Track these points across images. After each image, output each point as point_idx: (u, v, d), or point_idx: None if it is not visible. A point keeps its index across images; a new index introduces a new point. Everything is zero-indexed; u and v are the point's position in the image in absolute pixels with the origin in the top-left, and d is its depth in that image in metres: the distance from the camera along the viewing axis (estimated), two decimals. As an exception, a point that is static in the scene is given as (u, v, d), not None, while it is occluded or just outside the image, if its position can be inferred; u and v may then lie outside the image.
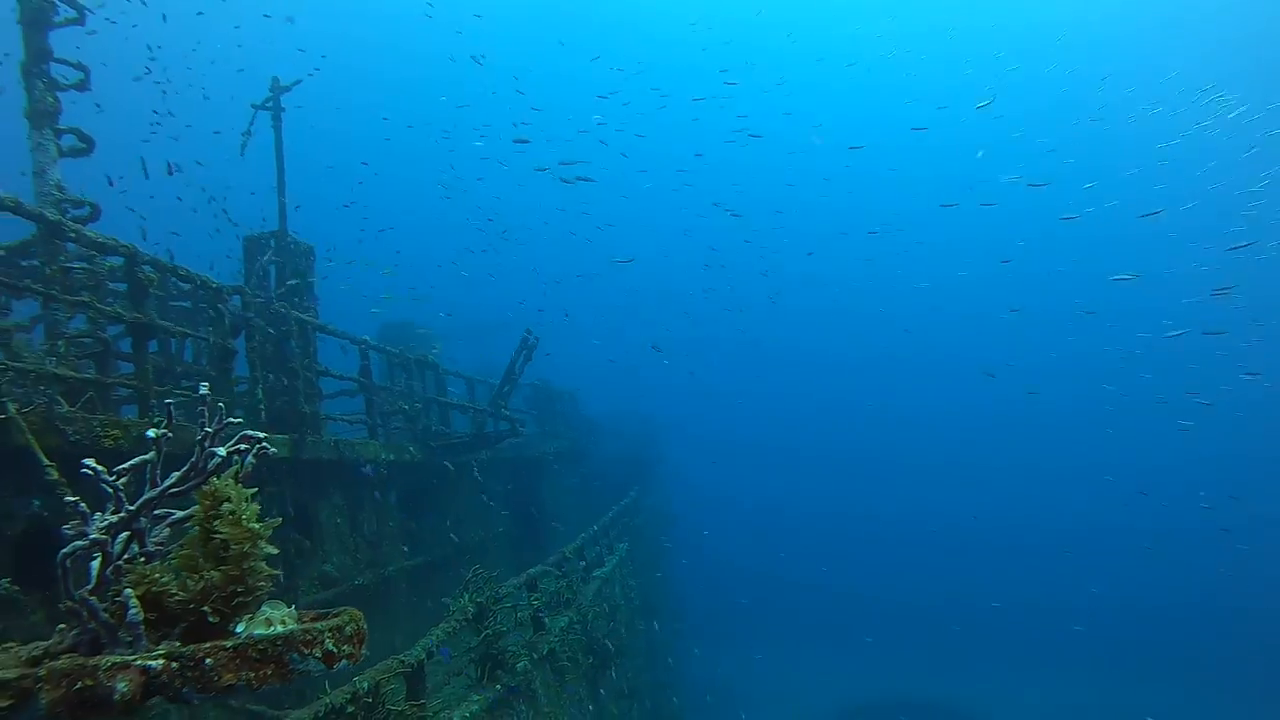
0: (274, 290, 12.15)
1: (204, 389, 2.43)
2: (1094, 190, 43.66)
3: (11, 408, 6.95)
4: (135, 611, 2.04)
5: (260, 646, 2.01)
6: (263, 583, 2.25)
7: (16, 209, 7.92)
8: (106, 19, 10.51)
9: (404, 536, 14.49)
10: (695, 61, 65.94)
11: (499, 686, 9.17)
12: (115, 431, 7.83)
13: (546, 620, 11.72)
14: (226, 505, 2.25)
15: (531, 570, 11.95)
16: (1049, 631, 38.69)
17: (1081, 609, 40.49)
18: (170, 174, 14.71)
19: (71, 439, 7.40)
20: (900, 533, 54.34)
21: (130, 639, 2.06)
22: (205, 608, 2.14)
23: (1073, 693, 34.01)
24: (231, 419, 2.43)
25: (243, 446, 2.39)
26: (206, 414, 2.36)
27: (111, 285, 11.05)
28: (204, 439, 2.31)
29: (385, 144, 48.84)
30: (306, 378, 11.95)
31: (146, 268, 9.09)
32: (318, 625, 2.17)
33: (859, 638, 38.20)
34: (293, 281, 12.61)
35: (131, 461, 2.25)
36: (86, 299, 8.34)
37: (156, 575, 2.16)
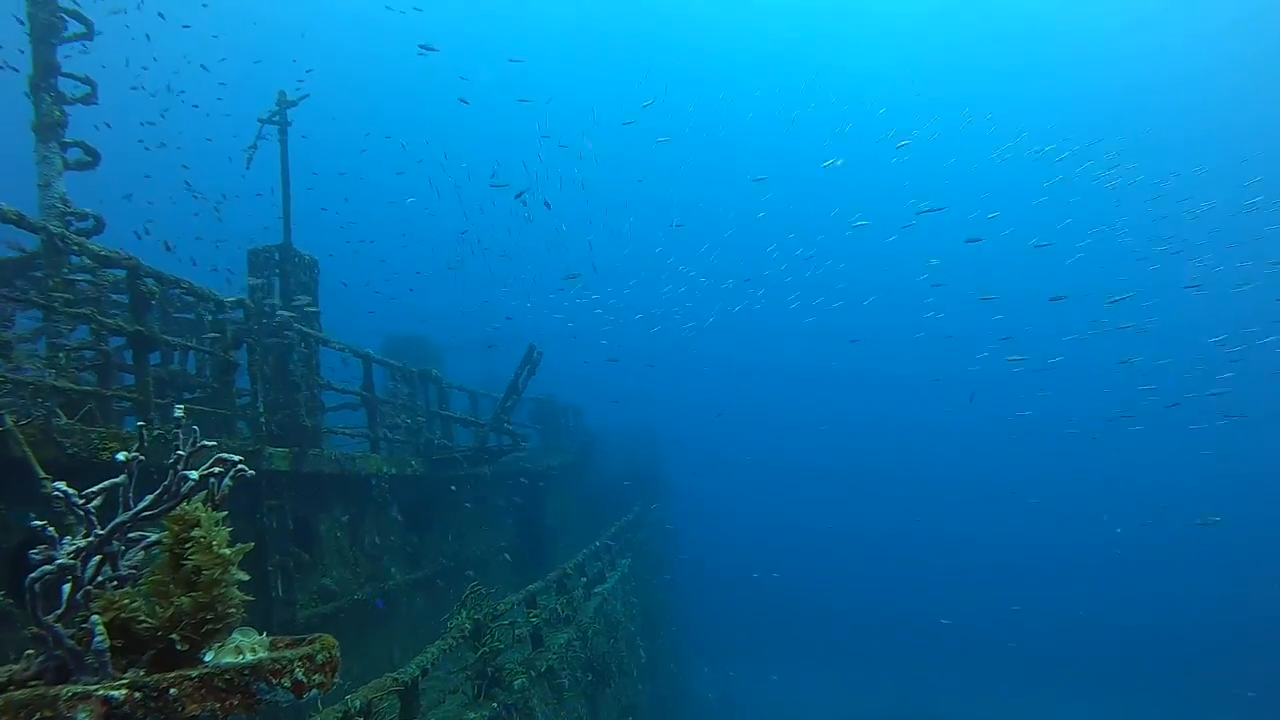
0: (277, 303, 12.17)
1: (178, 412, 2.40)
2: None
3: (9, 420, 6.95)
4: (101, 639, 2.01)
5: (226, 676, 1.97)
6: (233, 609, 2.21)
7: (19, 222, 7.95)
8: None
9: (405, 551, 14.45)
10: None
11: (495, 704, 9.10)
12: (114, 444, 7.82)
13: (546, 637, 11.65)
14: (197, 531, 2.22)
15: (531, 586, 11.89)
16: (1068, 649, 38.42)
17: (1107, 627, 40.32)
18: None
19: (69, 451, 7.39)
20: (905, 548, 54.04)
21: (98, 666, 2.03)
22: (174, 635, 2.10)
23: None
24: (207, 441, 2.40)
25: (217, 470, 2.36)
26: (181, 436, 2.34)
27: (115, 297, 11.09)
28: (176, 462, 2.28)
29: (363, 155, 49.04)
30: (308, 391, 11.95)
31: (149, 280, 9.12)
32: (287, 654, 2.13)
33: (865, 654, 37.95)
34: (305, 302, 12.64)
35: (101, 485, 2.22)
36: (88, 311, 8.36)
37: (125, 601, 2.13)
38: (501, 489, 19.38)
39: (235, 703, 1.96)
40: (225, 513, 2.45)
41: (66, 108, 9.99)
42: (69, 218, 9.76)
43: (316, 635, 2.39)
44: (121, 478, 2.24)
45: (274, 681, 2.03)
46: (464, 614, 9.31)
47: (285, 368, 11.34)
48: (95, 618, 2.03)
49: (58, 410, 7.72)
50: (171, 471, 2.28)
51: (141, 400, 8.79)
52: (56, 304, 8.49)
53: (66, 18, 10.39)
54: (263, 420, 10.60)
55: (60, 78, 10.12)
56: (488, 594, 9.88)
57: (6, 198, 7.98)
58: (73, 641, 2.03)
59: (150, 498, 2.30)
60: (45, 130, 9.84)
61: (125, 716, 1.86)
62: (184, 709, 1.89)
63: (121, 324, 8.74)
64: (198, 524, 2.25)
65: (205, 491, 2.43)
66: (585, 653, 12.76)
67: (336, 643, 2.33)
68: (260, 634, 2.24)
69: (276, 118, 12.75)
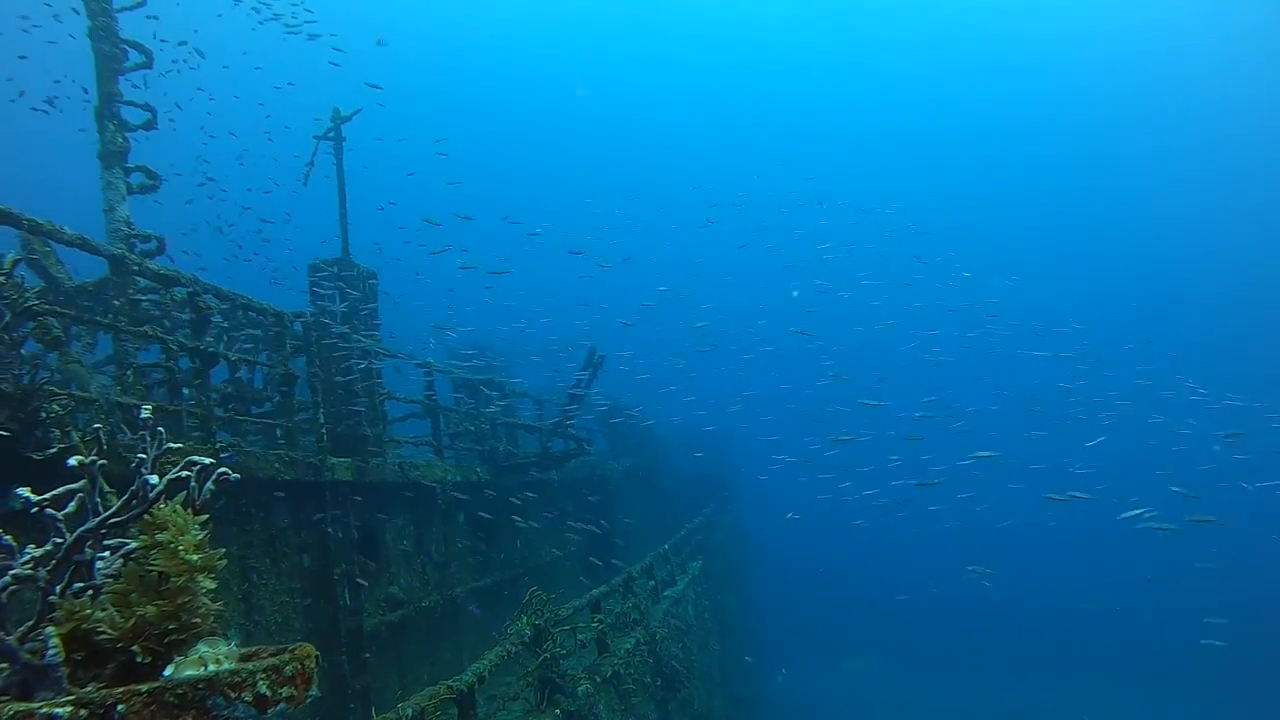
0: (338, 316, 12.34)
1: (145, 412, 2.30)
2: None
3: (75, 436, 7.13)
4: (54, 652, 1.91)
5: (179, 690, 1.84)
6: (199, 619, 2.09)
7: (83, 245, 8.19)
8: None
9: (473, 558, 14.49)
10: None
11: (558, 711, 8.97)
12: (175, 458, 7.97)
13: (611, 642, 11.49)
14: (163, 535, 2.10)
15: (595, 590, 11.75)
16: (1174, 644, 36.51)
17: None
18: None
19: (133, 467, 7.55)
20: (997, 539, 52.16)
21: (55, 681, 1.92)
22: (135, 646, 1.99)
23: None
24: (173, 444, 2.29)
25: (185, 473, 2.25)
26: (148, 439, 2.23)
27: (182, 316, 11.39)
28: (139, 465, 2.18)
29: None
30: (369, 401, 12.08)
31: (209, 297, 9.32)
32: (249, 666, 1.99)
33: (950, 651, 36.77)
34: (365, 313, 12.79)
35: (55, 491, 2.13)
36: (149, 329, 8.57)
37: (87, 611, 2.03)
38: (570, 494, 19.35)
39: None
40: (207, 517, 2.33)
41: (129, 134, 10.31)
42: (133, 240, 10.04)
43: (296, 645, 2.25)
44: (81, 483, 2.14)
45: (233, 696, 1.89)
46: (524, 619, 9.22)
47: (344, 378, 11.47)
48: (49, 630, 1.93)
49: (122, 426, 7.91)
50: (136, 474, 2.18)
51: (203, 415, 8.98)
52: (122, 323, 8.73)
53: (128, 48, 10.73)
54: (324, 431, 10.74)
55: (122, 105, 10.45)
56: (549, 599, 9.77)
57: (76, 223, 8.25)
58: (28, 655, 1.93)
59: (118, 503, 2.20)
60: (110, 157, 10.17)
61: (70, 735, 1.74)
62: (131, 727, 1.76)
63: (183, 340, 8.94)
64: (165, 528, 2.14)
65: (183, 495, 2.32)
66: (654, 658, 12.55)
67: (314, 653, 2.19)
68: (229, 644, 2.11)
69: (332, 134, 12.95)
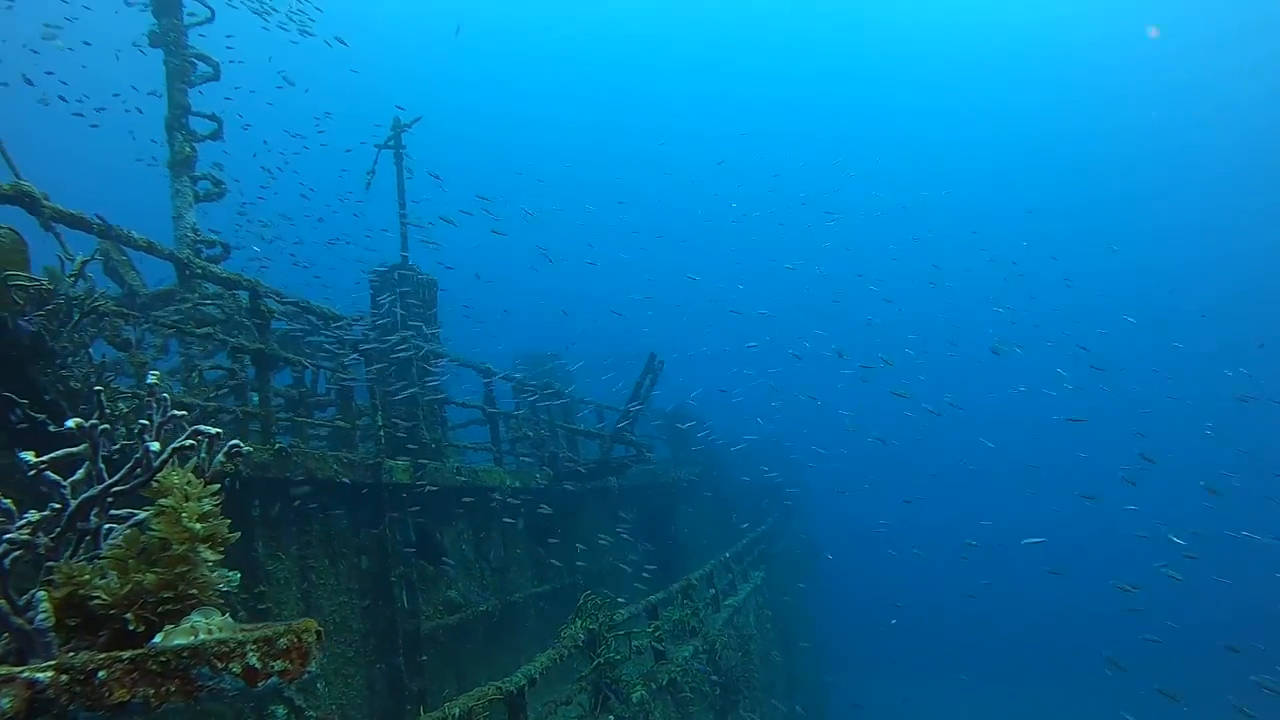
0: (397, 320, 12.49)
1: (151, 378, 2.25)
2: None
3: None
4: (44, 616, 1.85)
5: (162, 658, 1.75)
6: (196, 590, 2.01)
7: (150, 249, 8.43)
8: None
9: (532, 564, 14.47)
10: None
11: (612, 717, 8.82)
12: (180, 425, 8.10)
13: (669, 649, 11.30)
14: (166, 500, 2.04)
15: (652, 597, 11.57)
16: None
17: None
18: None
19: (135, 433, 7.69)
20: (1070, 558, 50.19)
21: (46, 646, 1.87)
22: (128, 614, 1.92)
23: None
24: (176, 410, 2.23)
25: (189, 443, 2.19)
26: (154, 405, 2.18)
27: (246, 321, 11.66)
28: (142, 431, 2.12)
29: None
30: (428, 404, 12.17)
31: (269, 301, 9.50)
32: (238, 636, 1.90)
33: (1024, 672, 35.40)
34: (424, 319, 12.92)
35: (52, 454, 2.08)
36: (211, 331, 8.77)
37: (85, 576, 1.97)
38: (631, 502, 19.22)
39: (171, 689, 1.74)
40: (218, 486, 2.27)
41: (196, 144, 10.62)
42: (198, 245, 10.31)
43: (301, 620, 2.16)
44: (82, 447, 2.10)
45: (220, 666, 1.80)
46: (578, 623, 9.11)
47: (402, 382, 11.57)
48: (40, 594, 1.87)
49: (184, 425, 8.10)
50: (138, 441, 2.12)
51: (264, 416, 9.13)
52: (187, 327, 8.96)
53: (196, 61, 11.08)
54: (381, 434, 10.84)
55: (191, 116, 10.78)
56: (603, 603, 9.65)
57: (146, 231, 8.51)
58: (20, 621, 1.88)
59: (121, 471, 2.15)
60: (178, 166, 10.48)
61: (50, 701, 1.67)
62: (111, 694, 1.69)
63: (244, 343, 9.11)
64: (168, 493, 2.07)
65: (191, 461, 2.26)
66: (712, 667, 12.31)
67: (314, 627, 2.09)
68: (226, 616, 2.03)
69: (391, 142, 13.15)
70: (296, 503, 8.82)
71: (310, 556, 9.37)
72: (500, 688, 6.93)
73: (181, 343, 10.20)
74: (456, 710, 6.17)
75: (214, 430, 2.24)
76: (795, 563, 26.46)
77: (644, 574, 18.44)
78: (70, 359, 6.87)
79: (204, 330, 8.77)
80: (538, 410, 16.20)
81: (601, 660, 9.06)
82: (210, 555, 2.06)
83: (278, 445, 8.88)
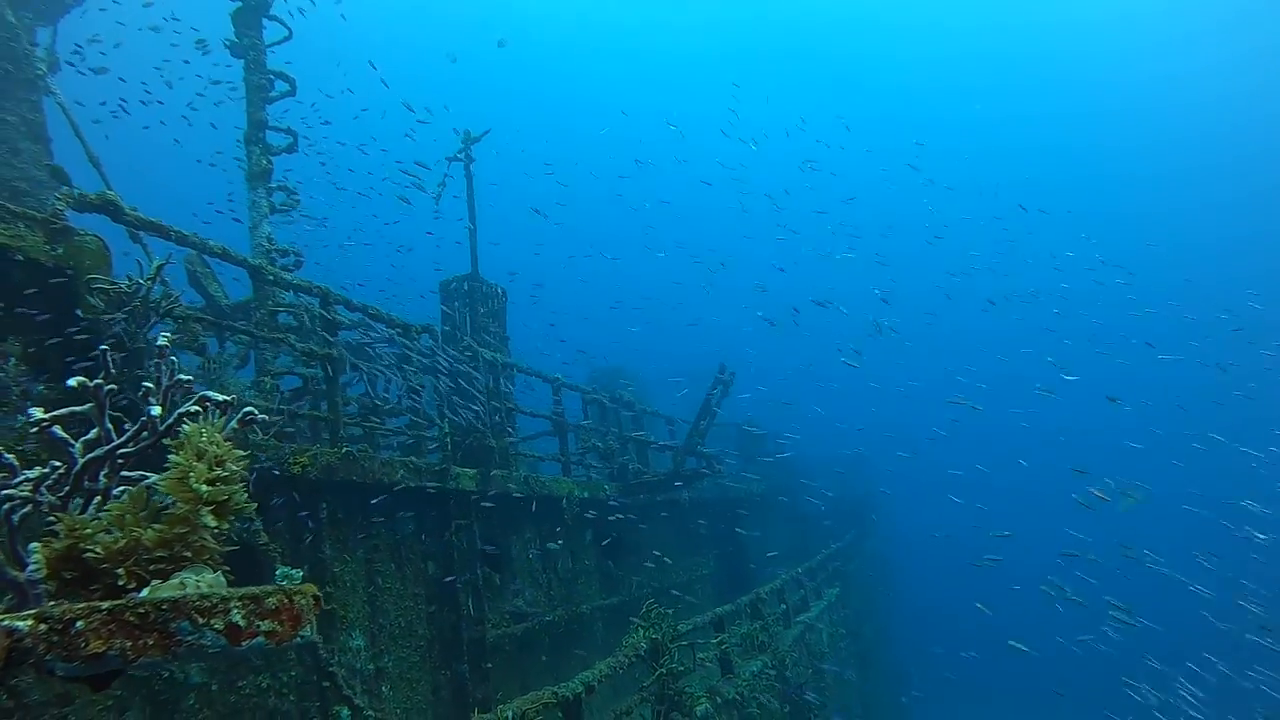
0: (467, 329, 12.66)
1: (162, 340, 2.24)
2: None
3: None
4: (35, 568, 1.83)
5: (140, 610, 1.71)
6: (191, 553, 1.97)
7: (224, 255, 8.72)
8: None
9: (600, 575, 14.39)
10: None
11: (674, 730, 8.64)
12: (303, 459, 8.28)
13: (736, 664, 11.04)
14: (177, 457, 2.01)
15: (719, 609, 11.34)
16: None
17: None
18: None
19: (264, 464, 7.88)
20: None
21: (37, 597, 1.85)
22: (120, 570, 1.89)
23: None
24: (184, 375, 2.21)
25: (195, 409, 2.16)
26: (161, 368, 2.17)
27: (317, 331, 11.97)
28: (145, 394, 2.11)
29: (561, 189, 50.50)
30: (495, 413, 12.25)
31: (339, 308, 9.71)
32: (224, 591, 1.85)
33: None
34: (493, 329, 13.07)
35: (56, 412, 2.07)
36: (282, 336, 9.01)
37: (87, 530, 1.95)
38: (702, 515, 18.99)
39: (150, 643, 1.69)
40: (246, 453, 2.24)
41: (273, 158, 10.99)
42: (273, 255, 10.63)
43: (302, 584, 2.10)
44: (88, 406, 2.09)
45: (200, 621, 1.74)
46: (640, 633, 8.96)
47: (468, 392, 11.67)
48: (33, 545, 1.86)
49: (255, 428, 8.31)
50: (142, 402, 2.11)
51: (332, 420, 9.31)
52: (260, 333, 9.23)
53: (274, 79, 11.50)
54: (448, 441, 10.94)
55: (268, 131, 11.17)
56: (667, 613, 9.48)
57: (226, 241, 8.82)
58: (14, 572, 1.87)
59: (129, 433, 2.13)
60: (255, 178, 10.86)
61: (29, 651, 1.64)
62: (87, 645, 1.65)
63: (313, 348, 9.33)
64: (179, 450, 2.05)
65: (218, 420, 2.23)
66: (782, 684, 11.98)
67: (312, 591, 2.03)
68: (217, 575, 1.98)
69: (462, 155, 13.38)
70: (374, 502, 8.95)
71: (377, 560, 9.49)
72: (556, 693, 6.83)
73: (258, 352, 10.54)
74: (510, 713, 6.10)
75: (222, 397, 2.21)
76: (874, 581, 25.73)
77: (716, 588, 18.17)
78: (148, 360, 7.12)
79: (275, 336, 9.01)
80: (607, 420, 16.17)
81: (664, 671, 8.88)
82: (211, 521, 2.01)
83: (345, 449, 9.04)
